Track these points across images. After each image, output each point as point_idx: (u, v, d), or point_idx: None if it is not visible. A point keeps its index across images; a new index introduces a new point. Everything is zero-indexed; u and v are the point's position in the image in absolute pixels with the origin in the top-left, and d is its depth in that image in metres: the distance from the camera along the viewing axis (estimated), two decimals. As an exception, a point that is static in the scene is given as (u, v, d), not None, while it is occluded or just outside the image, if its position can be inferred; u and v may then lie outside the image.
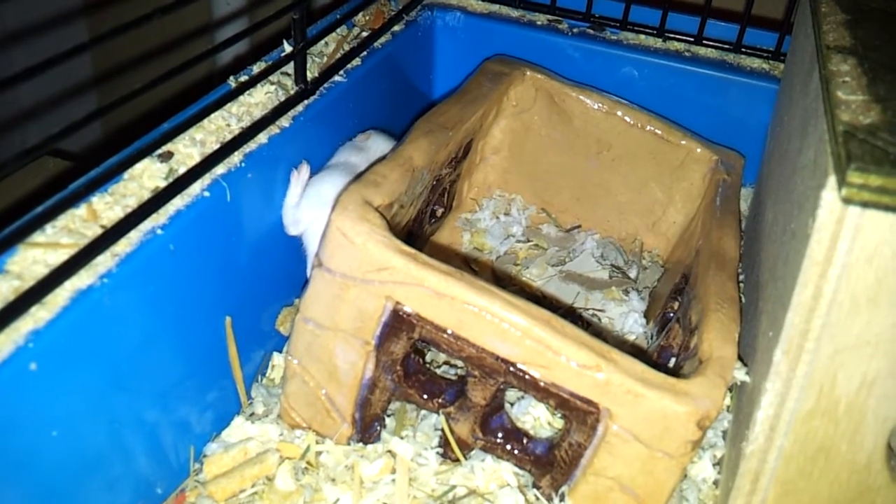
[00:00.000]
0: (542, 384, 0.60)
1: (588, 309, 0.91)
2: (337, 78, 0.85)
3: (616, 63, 1.03)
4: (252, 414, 0.72)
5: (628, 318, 0.88)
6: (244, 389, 0.73)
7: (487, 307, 0.60)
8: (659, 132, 0.95)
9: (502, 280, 0.95)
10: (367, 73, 0.90)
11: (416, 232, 0.88)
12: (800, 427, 0.56)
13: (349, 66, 0.88)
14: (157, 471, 0.64)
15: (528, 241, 1.00)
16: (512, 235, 1.00)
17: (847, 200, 0.47)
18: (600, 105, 0.97)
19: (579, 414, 0.61)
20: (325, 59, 0.87)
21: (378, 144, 0.85)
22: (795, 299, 0.52)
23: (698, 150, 0.94)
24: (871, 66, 0.59)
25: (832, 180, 0.48)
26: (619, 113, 0.96)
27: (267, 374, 0.76)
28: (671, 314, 0.80)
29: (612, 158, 0.98)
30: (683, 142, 0.94)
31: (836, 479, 0.58)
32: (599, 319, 0.89)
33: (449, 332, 0.62)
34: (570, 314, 0.90)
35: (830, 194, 0.48)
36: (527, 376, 0.61)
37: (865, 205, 0.47)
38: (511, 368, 0.61)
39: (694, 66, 1.01)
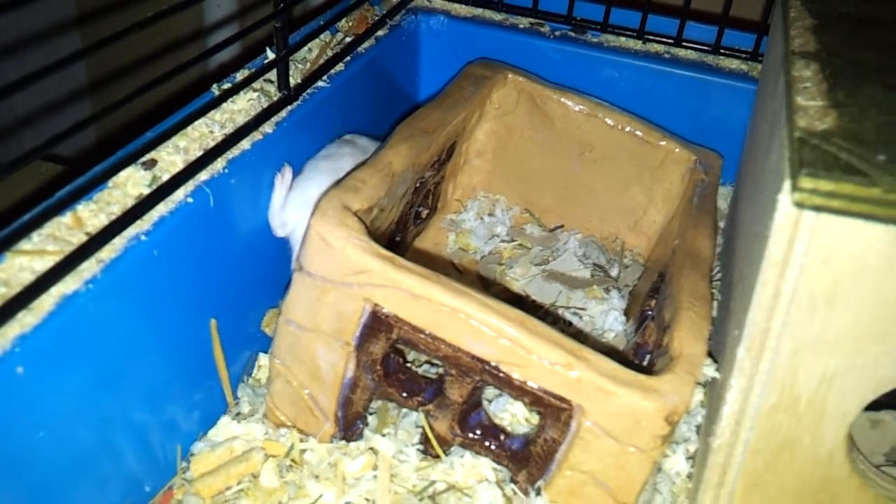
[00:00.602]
0: (516, 382, 0.62)
1: (569, 307, 0.93)
2: (320, 83, 0.87)
3: (597, 65, 1.05)
4: (238, 413, 0.74)
5: (608, 316, 0.90)
6: (230, 390, 0.74)
7: (462, 308, 0.62)
8: (639, 133, 0.97)
9: (487, 280, 0.96)
10: (351, 78, 0.92)
11: (400, 233, 0.90)
12: (764, 422, 0.58)
13: (333, 71, 0.90)
14: (145, 469, 0.66)
15: (513, 240, 1.02)
16: (496, 235, 1.02)
17: (799, 204, 0.49)
18: (581, 107, 0.98)
19: (553, 411, 0.62)
20: (309, 64, 0.89)
21: (363, 145, 0.87)
22: (756, 298, 0.54)
23: (677, 150, 0.95)
24: (833, 72, 0.61)
25: (787, 185, 0.50)
26: (600, 115, 0.98)
27: (253, 375, 0.78)
28: (649, 312, 0.82)
29: (593, 159, 1.00)
30: (663, 142, 0.96)
31: (801, 471, 0.60)
32: (580, 317, 0.91)
33: (426, 332, 0.63)
34: (552, 312, 0.92)
35: (786, 198, 0.50)
36: (501, 375, 0.62)
37: (818, 209, 0.49)
38: (486, 367, 0.63)
39: (673, 67, 1.03)
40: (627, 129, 0.97)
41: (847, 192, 0.47)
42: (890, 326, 0.52)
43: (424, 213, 0.97)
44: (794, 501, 0.61)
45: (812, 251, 0.51)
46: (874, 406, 0.71)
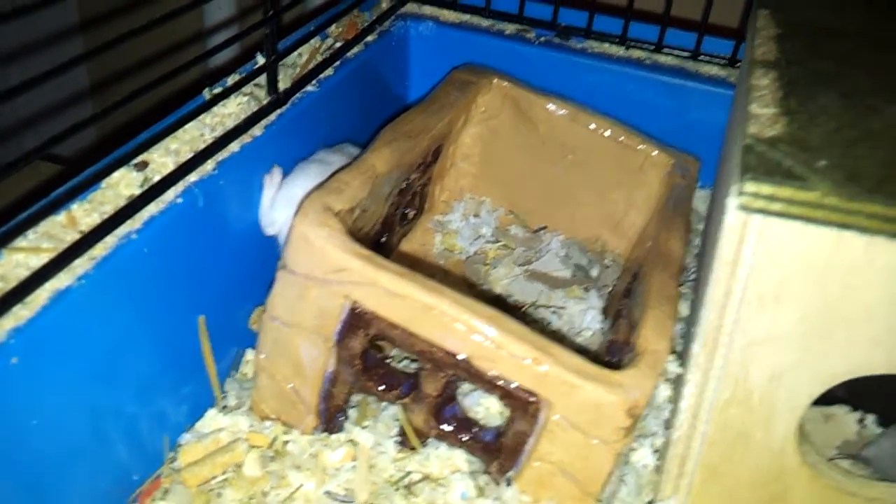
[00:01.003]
0: (486, 376, 0.65)
1: (550, 306, 0.96)
2: (309, 88, 0.90)
3: (581, 70, 1.08)
4: (225, 406, 0.77)
5: (587, 314, 0.93)
6: (218, 383, 0.78)
7: (436, 305, 0.65)
8: (620, 137, 1.00)
9: (471, 279, 1.00)
10: (340, 83, 0.95)
11: (386, 234, 0.93)
12: (719, 415, 0.61)
13: (322, 75, 0.93)
14: (134, 459, 0.69)
15: (497, 241, 1.05)
16: (482, 236, 1.05)
17: (744, 207, 0.52)
18: (564, 112, 1.01)
19: (522, 404, 0.65)
20: (299, 69, 0.92)
21: (351, 151, 0.90)
22: (709, 296, 0.57)
23: (656, 154, 0.98)
24: (790, 80, 0.64)
25: (734, 188, 0.53)
26: (582, 119, 1.01)
27: (240, 370, 0.81)
28: (622, 311, 0.85)
29: (576, 163, 1.03)
30: (642, 146, 0.99)
31: (755, 462, 0.62)
32: (559, 316, 0.94)
33: (402, 328, 0.66)
34: (533, 311, 0.95)
35: (733, 201, 0.53)
36: (473, 369, 0.65)
37: (761, 211, 0.52)
38: (459, 362, 0.66)
39: (654, 73, 1.06)
40: (608, 133, 1.00)
41: (786, 195, 0.50)
42: (834, 324, 0.55)
43: (411, 213, 1.00)
44: (749, 491, 0.64)
45: (759, 252, 0.54)
46: (829, 401, 0.74)
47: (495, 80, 1.02)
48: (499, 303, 0.98)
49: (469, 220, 1.06)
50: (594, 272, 1.00)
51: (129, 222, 0.66)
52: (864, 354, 0.56)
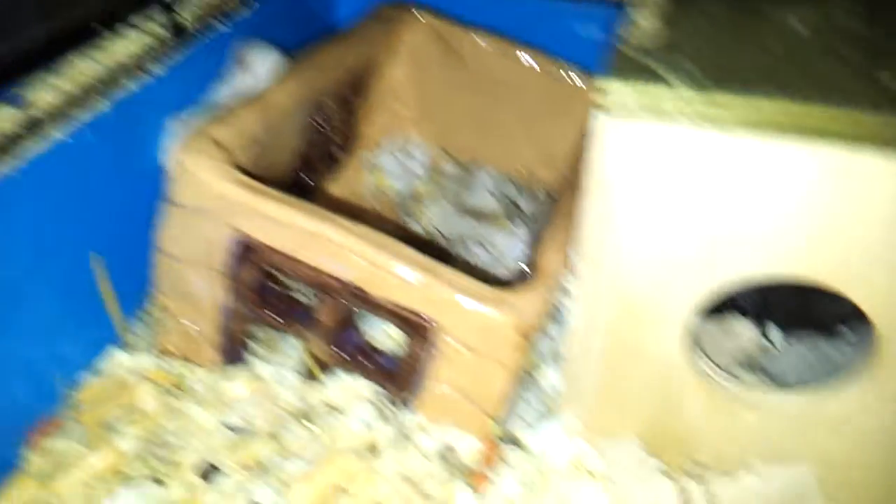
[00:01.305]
0: (377, 301, 0.64)
1: (479, 240, 0.94)
2: (221, 27, 0.88)
3: (511, 3, 1.06)
4: (129, 345, 0.76)
5: (515, 247, 0.92)
6: (122, 323, 0.77)
7: (322, 232, 0.64)
8: (548, 69, 0.98)
9: (403, 217, 0.98)
10: (255, 24, 0.93)
11: (310, 171, 0.91)
12: (609, 331, 0.60)
13: (236, 15, 0.90)
14: (31, 399, 0.68)
15: (429, 178, 1.04)
16: (413, 174, 1.03)
17: (609, 112, 0.50)
18: (493, 46, 1.00)
19: (415, 328, 0.65)
20: (207, 8, 0.90)
21: (266, 68, 0.87)
22: (586, 211, 0.56)
23: (584, 85, 0.97)
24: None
25: (601, 93, 0.51)
26: (511, 53, 0.99)
27: (145, 308, 0.80)
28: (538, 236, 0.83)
29: (505, 96, 1.01)
30: (570, 78, 0.98)
31: (649, 375, 0.62)
32: (488, 250, 0.93)
33: (291, 256, 0.65)
34: (462, 246, 0.94)
35: (598, 106, 0.51)
36: (363, 294, 0.64)
37: (626, 116, 0.50)
38: (350, 288, 0.65)
39: (583, 3, 1.03)
40: (537, 65, 0.99)
41: (649, 97, 0.49)
42: (709, 229, 0.54)
43: (339, 153, 0.98)
44: (645, 404, 0.63)
45: (627, 158, 0.52)
46: (729, 310, 0.73)
47: (420, 15, 1.00)
48: (430, 240, 0.97)
49: (399, 157, 1.04)
50: (524, 205, 0.99)
51: (10, 161, 0.65)
52: (741, 261, 0.55)
